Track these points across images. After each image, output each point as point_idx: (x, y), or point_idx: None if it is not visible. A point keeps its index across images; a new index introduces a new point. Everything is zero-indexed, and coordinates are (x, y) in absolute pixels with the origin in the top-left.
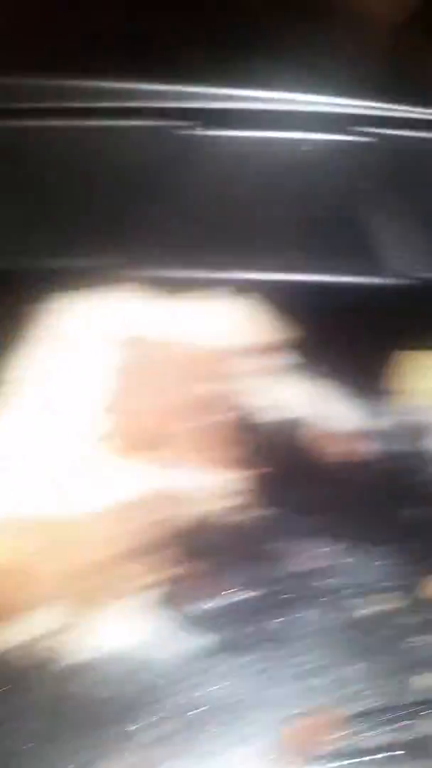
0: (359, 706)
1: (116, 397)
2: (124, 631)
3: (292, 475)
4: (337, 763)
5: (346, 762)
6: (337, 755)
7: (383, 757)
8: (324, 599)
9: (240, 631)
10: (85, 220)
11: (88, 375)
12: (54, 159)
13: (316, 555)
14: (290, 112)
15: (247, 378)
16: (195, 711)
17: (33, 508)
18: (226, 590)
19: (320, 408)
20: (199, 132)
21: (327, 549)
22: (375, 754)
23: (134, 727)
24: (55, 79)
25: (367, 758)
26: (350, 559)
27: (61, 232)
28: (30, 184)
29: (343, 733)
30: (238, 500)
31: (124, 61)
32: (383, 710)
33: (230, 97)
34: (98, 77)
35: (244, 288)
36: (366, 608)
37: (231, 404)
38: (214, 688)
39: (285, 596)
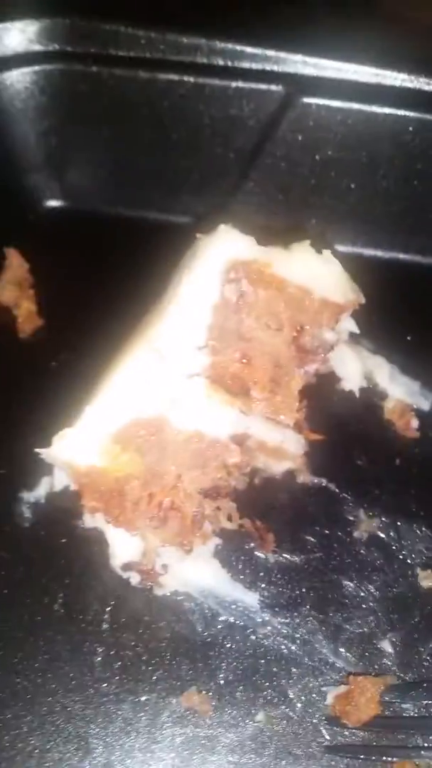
0: (396, 677)
1: (211, 338)
2: (191, 571)
3: (357, 445)
4: (376, 731)
5: (384, 729)
6: (376, 723)
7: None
8: (368, 570)
9: (288, 591)
10: (196, 173)
11: (192, 314)
12: (164, 115)
13: (370, 525)
14: (377, 86)
15: (332, 338)
16: (247, 662)
17: (133, 427)
18: (279, 550)
19: (385, 382)
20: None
21: (381, 520)
22: (410, 725)
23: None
24: (173, 34)
25: (403, 728)
26: (401, 532)
27: (173, 184)
28: (145, 138)
29: (381, 702)
30: (298, 463)
31: (236, 24)
32: (420, 681)
33: (334, 69)
34: (212, 36)
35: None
36: (412, 582)
37: (315, 364)
38: (259, 641)
39: (333, 562)
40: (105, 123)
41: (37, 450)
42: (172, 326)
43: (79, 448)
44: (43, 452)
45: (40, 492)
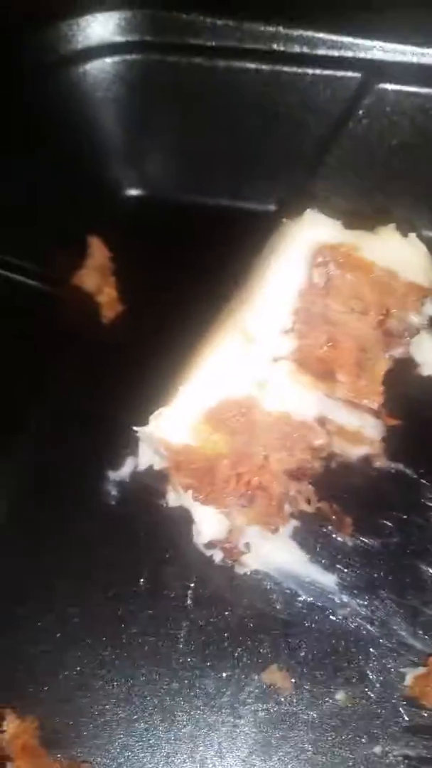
0: None
1: (297, 321)
2: (271, 551)
3: (431, 431)
4: None
5: None
6: None
7: None
8: None
9: (366, 574)
10: (272, 160)
11: (278, 298)
12: (240, 103)
13: None
14: None
15: (418, 322)
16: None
17: (224, 408)
18: (357, 533)
19: None
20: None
21: None
22: None
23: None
24: (242, 21)
25: None
26: None
27: (249, 171)
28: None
29: None
30: (376, 447)
31: (312, 11)
32: None
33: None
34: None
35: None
36: None
37: (399, 348)
38: (338, 622)
39: (411, 547)
40: (183, 112)
41: (134, 428)
42: (259, 310)
43: (174, 427)
44: (140, 430)
45: (125, 471)
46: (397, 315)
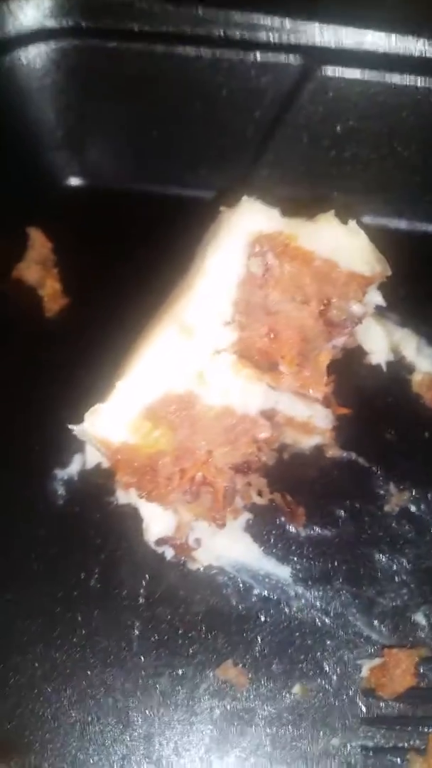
0: (430, 649)
1: (238, 313)
2: (224, 545)
3: (385, 418)
4: (412, 702)
5: (420, 700)
6: (412, 695)
7: None
8: (400, 543)
9: (321, 565)
10: (215, 147)
11: (218, 289)
12: (181, 89)
13: (400, 498)
14: (398, 55)
15: (360, 311)
16: (281, 635)
17: (164, 403)
18: (310, 524)
19: (413, 354)
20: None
21: (412, 493)
22: None
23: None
24: (189, 6)
25: None
26: (427, 508)
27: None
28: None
29: (417, 673)
30: (327, 437)
31: None
32: None
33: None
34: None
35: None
36: None
37: (343, 337)
38: (293, 614)
39: (364, 536)
40: (123, 99)
41: (69, 426)
42: (198, 302)
43: (112, 424)
44: (76, 428)
45: (73, 469)
46: (338, 305)
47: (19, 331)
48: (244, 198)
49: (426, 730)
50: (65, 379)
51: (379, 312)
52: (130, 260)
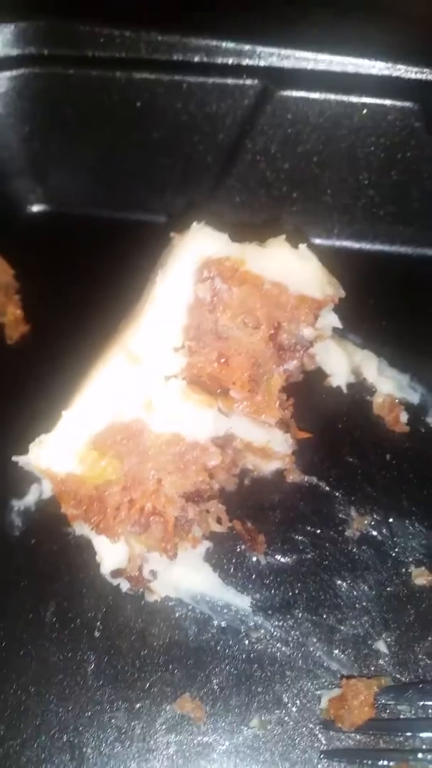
0: (392, 678)
1: (187, 338)
2: (181, 576)
3: (346, 441)
4: (372, 734)
5: (380, 732)
6: (372, 726)
7: (416, 728)
8: (362, 569)
9: (281, 594)
10: (177, 171)
11: (167, 315)
12: (142, 114)
13: (362, 523)
14: (355, 76)
15: (310, 335)
16: (240, 667)
17: (111, 432)
18: (271, 551)
19: (374, 376)
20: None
21: (373, 517)
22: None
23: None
24: (147, 32)
25: (399, 730)
26: (393, 529)
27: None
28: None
29: (377, 704)
30: (287, 462)
31: (210, 20)
32: (416, 682)
33: (310, 60)
34: (186, 33)
35: (310, 245)
36: (406, 580)
37: (294, 361)
38: (252, 645)
39: (325, 562)
40: (85, 125)
41: (14, 458)
42: (147, 328)
43: (57, 455)
44: (21, 459)
45: (29, 499)
46: (289, 328)
47: None
48: (194, 224)
49: (387, 763)
50: (22, 408)
51: (339, 333)
52: (90, 286)
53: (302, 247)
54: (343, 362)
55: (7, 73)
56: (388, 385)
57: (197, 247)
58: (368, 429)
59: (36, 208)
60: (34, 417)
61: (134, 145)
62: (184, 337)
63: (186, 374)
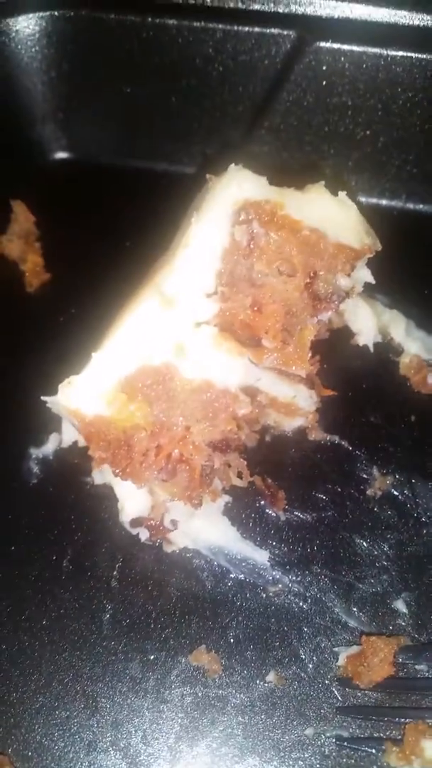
0: (410, 638)
1: (221, 284)
2: (201, 528)
3: (371, 401)
4: (389, 692)
5: (397, 690)
6: (389, 685)
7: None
8: (382, 529)
9: (300, 549)
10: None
11: (201, 259)
12: (173, 61)
13: (384, 483)
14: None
15: (347, 285)
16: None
17: (141, 376)
18: (290, 507)
19: (401, 336)
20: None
21: (395, 478)
22: (424, 687)
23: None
24: None
25: (416, 689)
26: (416, 490)
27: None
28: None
29: (395, 663)
30: (310, 419)
31: None
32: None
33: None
34: None
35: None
36: (427, 541)
37: (329, 312)
38: (270, 599)
39: (345, 520)
40: (113, 71)
41: (43, 398)
42: (180, 272)
43: (86, 396)
44: (49, 400)
45: (48, 448)
46: (325, 277)
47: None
48: (232, 166)
49: (403, 720)
50: (45, 354)
51: (368, 292)
52: (113, 235)
53: (342, 194)
54: (370, 321)
55: (35, 14)
56: (416, 346)
57: (235, 189)
58: (394, 389)
59: (59, 156)
60: (53, 363)
61: (162, 94)
62: (218, 282)
63: (218, 321)
